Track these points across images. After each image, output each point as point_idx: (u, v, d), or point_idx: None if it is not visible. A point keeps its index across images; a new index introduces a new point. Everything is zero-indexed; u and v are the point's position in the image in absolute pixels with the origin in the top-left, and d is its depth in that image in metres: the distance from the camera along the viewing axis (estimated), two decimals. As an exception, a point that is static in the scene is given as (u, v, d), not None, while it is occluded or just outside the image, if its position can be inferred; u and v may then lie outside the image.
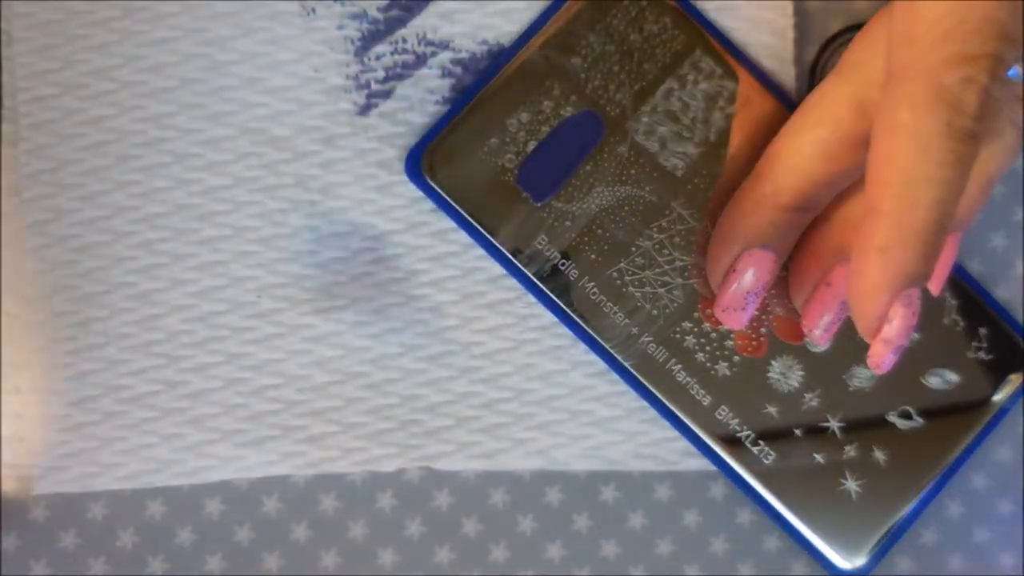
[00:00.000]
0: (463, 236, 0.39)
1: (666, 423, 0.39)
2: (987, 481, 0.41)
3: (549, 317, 0.39)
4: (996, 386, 0.40)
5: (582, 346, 0.39)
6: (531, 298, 0.39)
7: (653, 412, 0.39)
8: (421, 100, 0.39)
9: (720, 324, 0.38)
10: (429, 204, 0.39)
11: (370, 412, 0.39)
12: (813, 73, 0.40)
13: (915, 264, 0.31)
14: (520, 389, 0.40)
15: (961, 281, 0.40)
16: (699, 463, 0.40)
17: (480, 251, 0.39)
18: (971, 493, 0.41)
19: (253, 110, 0.39)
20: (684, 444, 0.40)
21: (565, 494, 0.40)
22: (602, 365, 0.39)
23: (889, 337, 0.32)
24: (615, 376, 0.39)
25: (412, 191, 0.39)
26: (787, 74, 0.40)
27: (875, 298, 0.31)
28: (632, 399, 0.40)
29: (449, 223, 0.39)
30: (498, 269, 0.39)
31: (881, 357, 0.33)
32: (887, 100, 0.30)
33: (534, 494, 0.40)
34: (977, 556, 0.41)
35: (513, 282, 0.39)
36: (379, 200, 0.39)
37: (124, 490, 0.39)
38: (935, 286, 0.37)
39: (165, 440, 0.39)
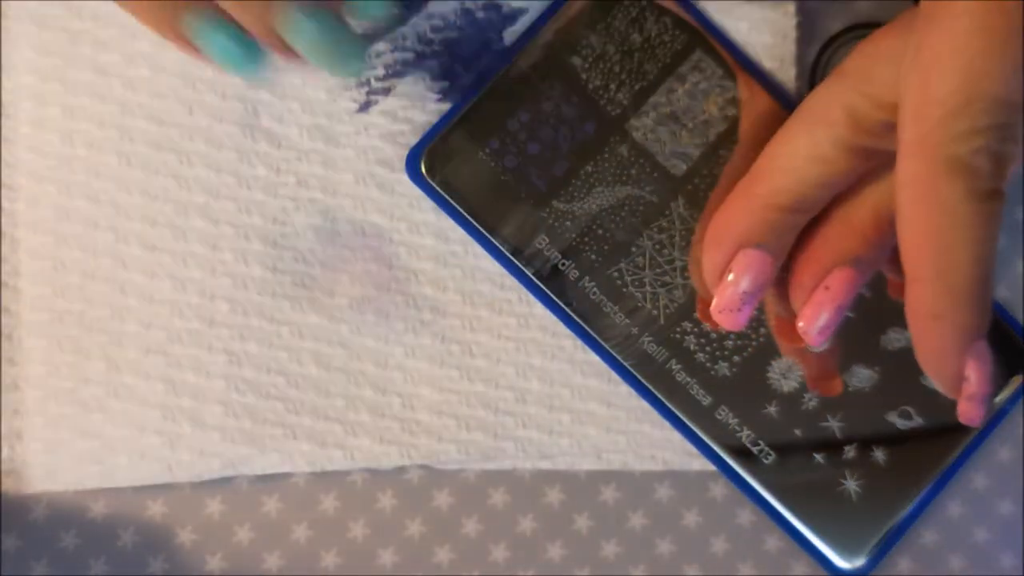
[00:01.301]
0: (464, 235, 0.39)
1: (666, 423, 0.39)
2: (987, 481, 0.41)
3: (549, 317, 0.39)
4: (996, 387, 0.40)
5: (582, 346, 0.39)
6: (531, 298, 0.39)
7: (653, 412, 0.39)
8: (421, 98, 0.39)
9: (717, 327, 0.38)
10: (430, 203, 0.39)
11: (370, 410, 0.39)
12: (813, 73, 0.40)
13: (972, 321, 0.31)
14: (520, 388, 0.40)
15: None
16: (699, 463, 0.40)
17: (481, 250, 0.39)
18: (971, 493, 0.41)
19: (253, 107, 0.39)
20: (684, 444, 0.40)
21: (565, 494, 0.40)
22: (602, 365, 0.39)
23: (972, 393, 0.33)
24: (615, 376, 0.39)
25: (413, 189, 0.39)
26: (787, 74, 0.40)
27: (945, 363, 0.32)
28: (632, 399, 0.40)
29: (450, 222, 0.39)
30: (498, 268, 0.39)
31: (971, 413, 0.34)
32: (905, 173, 0.31)
33: (534, 494, 0.40)
34: (977, 556, 0.41)
35: (513, 281, 0.39)
36: (380, 198, 0.39)
37: (124, 490, 0.39)
38: None
39: (165, 438, 0.39)
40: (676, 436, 0.39)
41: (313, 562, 0.40)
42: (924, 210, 0.31)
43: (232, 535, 0.39)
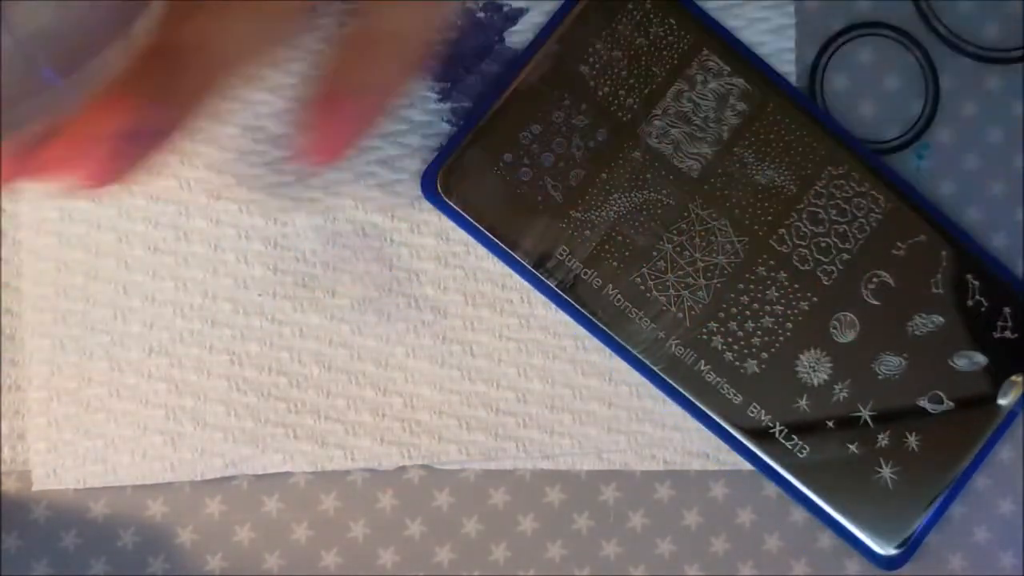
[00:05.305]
0: (465, 235, 0.39)
1: (665, 422, 0.39)
2: (987, 481, 0.41)
3: (550, 317, 0.39)
4: None
5: (583, 346, 0.39)
6: (533, 298, 0.39)
7: (654, 412, 0.39)
8: (421, 98, 0.39)
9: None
10: (430, 203, 0.39)
11: (371, 411, 0.39)
12: (813, 73, 0.40)
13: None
14: (521, 389, 0.40)
15: (982, 260, 0.40)
16: (699, 463, 0.40)
17: (483, 251, 0.39)
18: (971, 493, 0.41)
19: (254, 107, 0.39)
20: (685, 444, 0.40)
21: (565, 494, 0.40)
22: (603, 365, 0.39)
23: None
24: (616, 376, 0.39)
25: (413, 189, 0.39)
26: (787, 74, 0.40)
27: None
28: (633, 399, 0.40)
29: (450, 223, 0.39)
30: (500, 269, 0.39)
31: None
32: None
33: (534, 494, 0.40)
34: (977, 556, 0.41)
35: (515, 282, 0.39)
36: (381, 198, 0.39)
37: (124, 490, 0.39)
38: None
39: (167, 437, 0.39)
40: (677, 436, 0.40)
41: (313, 562, 0.39)
42: None
43: (232, 535, 0.39)
